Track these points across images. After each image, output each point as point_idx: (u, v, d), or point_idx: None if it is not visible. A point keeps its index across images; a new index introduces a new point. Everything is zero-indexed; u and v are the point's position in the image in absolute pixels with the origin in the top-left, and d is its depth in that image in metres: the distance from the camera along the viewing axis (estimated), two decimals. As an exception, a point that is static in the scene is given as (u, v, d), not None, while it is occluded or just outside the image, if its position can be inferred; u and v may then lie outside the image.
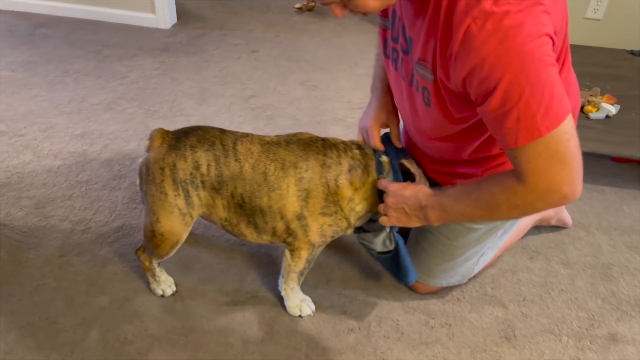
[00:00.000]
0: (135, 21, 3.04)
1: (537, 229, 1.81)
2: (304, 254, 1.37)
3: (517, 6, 0.87)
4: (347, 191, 1.31)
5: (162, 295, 1.49)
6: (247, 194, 1.30)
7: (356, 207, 1.34)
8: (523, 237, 1.76)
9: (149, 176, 1.31)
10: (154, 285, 1.49)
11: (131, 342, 1.37)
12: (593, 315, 1.52)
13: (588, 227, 1.84)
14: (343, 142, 1.35)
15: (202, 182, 1.30)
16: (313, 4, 3.39)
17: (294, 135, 1.36)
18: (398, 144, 1.40)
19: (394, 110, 1.44)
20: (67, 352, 1.34)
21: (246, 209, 1.33)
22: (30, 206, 1.76)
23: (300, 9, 3.41)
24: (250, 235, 1.38)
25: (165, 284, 1.49)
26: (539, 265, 1.67)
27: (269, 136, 1.36)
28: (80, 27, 2.98)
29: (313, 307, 1.47)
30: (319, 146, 1.32)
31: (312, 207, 1.30)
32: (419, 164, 1.39)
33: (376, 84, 1.45)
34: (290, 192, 1.29)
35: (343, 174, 1.30)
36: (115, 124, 2.19)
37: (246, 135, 1.35)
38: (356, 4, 0.97)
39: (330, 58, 2.83)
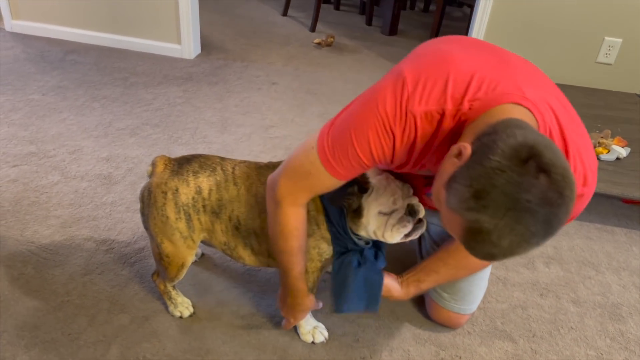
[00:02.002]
0: (161, 51, 3.17)
1: (548, 267, 1.84)
2: None
3: (593, 184, 1.08)
4: (316, 202, 1.32)
5: (180, 317, 1.54)
6: (242, 216, 1.36)
7: (322, 217, 1.33)
8: (534, 273, 1.80)
9: (151, 200, 1.37)
10: (171, 308, 1.54)
11: (149, 360, 1.42)
12: (602, 354, 1.54)
13: (598, 266, 1.87)
14: None
15: (204, 206, 1.36)
16: (332, 39, 3.52)
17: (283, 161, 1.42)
18: None
19: None
20: (88, 368, 1.39)
21: (242, 231, 1.38)
22: (57, 225, 1.83)
23: (319, 43, 3.53)
24: (248, 258, 1.43)
25: (182, 305, 1.54)
26: (548, 303, 1.70)
27: (263, 162, 1.43)
28: (109, 54, 3.12)
29: (326, 334, 1.51)
30: None
31: None
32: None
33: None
34: None
35: None
36: (139, 149, 2.28)
37: (244, 161, 1.42)
38: None
39: (346, 91, 2.92)
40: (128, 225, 1.85)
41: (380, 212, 1.29)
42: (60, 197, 1.96)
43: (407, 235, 1.30)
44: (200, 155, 1.42)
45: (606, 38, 2.71)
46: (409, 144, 1.06)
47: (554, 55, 2.82)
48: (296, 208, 1.23)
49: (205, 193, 1.36)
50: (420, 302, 1.64)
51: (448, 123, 1.02)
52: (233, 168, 1.39)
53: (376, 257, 1.41)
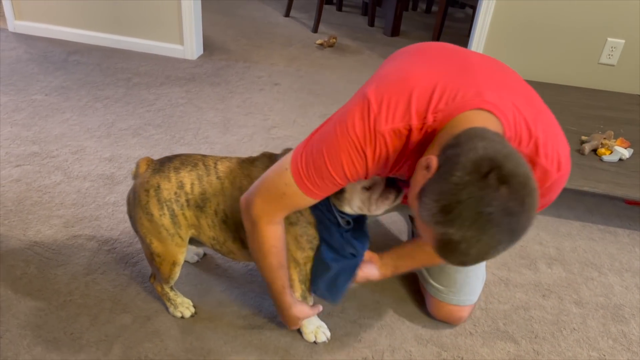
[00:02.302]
0: (164, 52, 3.18)
1: (551, 268, 1.84)
2: (294, 275, 1.41)
3: (567, 168, 1.13)
4: None
5: (182, 317, 1.54)
6: (228, 209, 1.38)
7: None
8: (536, 274, 1.79)
9: (136, 200, 1.39)
10: (171, 309, 1.54)
11: (151, 360, 1.42)
12: (604, 355, 1.54)
13: (600, 267, 1.86)
14: None
15: (187, 200, 1.38)
16: (334, 40, 3.52)
17: (263, 153, 1.44)
18: None
19: None
20: (90, 367, 1.39)
21: (230, 224, 1.39)
22: (59, 225, 1.84)
23: (321, 44, 3.53)
24: (238, 251, 1.44)
25: (182, 306, 1.54)
26: (551, 304, 1.70)
27: (245, 157, 1.45)
28: (112, 55, 3.12)
29: (328, 334, 1.51)
30: (279, 155, 1.39)
31: None
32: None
33: None
34: None
35: None
36: (142, 149, 2.28)
37: (226, 157, 1.44)
38: None
39: (349, 92, 2.92)
40: (130, 225, 1.85)
41: (363, 187, 1.31)
42: (62, 197, 1.97)
43: None
44: (182, 154, 1.45)
45: (609, 39, 2.71)
46: (382, 161, 1.11)
47: (557, 56, 2.82)
48: (273, 226, 1.27)
49: (188, 187, 1.38)
50: (422, 302, 1.64)
51: (416, 136, 1.06)
52: (215, 163, 1.41)
53: (356, 238, 1.42)
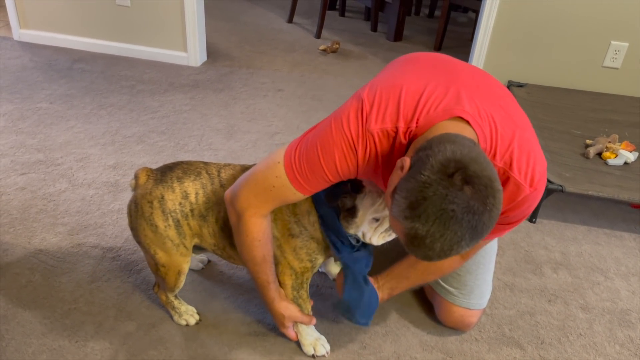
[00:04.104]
0: (168, 59, 3.19)
1: (556, 273, 1.83)
2: (287, 280, 1.41)
3: (541, 183, 1.16)
4: (304, 205, 1.35)
5: (187, 325, 1.54)
6: (227, 216, 1.37)
7: (313, 218, 1.37)
8: (542, 279, 1.78)
9: (138, 212, 1.38)
10: (176, 317, 1.53)
11: (156, 368, 1.41)
12: (611, 361, 1.52)
13: (607, 272, 1.85)
14: None
15: (192, 210, 1.38)
16: (337, 45, 3.53)
17: None
18: None
19: None
20: (95, 375, 1.39)
21: (226, 231, 1.39)
22: (64, 232, 1.84)
23: (324, 50, 3.54)
24: (237, 256, 1.44)
25: (187, 314, 1.54)
26: (557, 309, 1.69)
27: (248, 164, 1.45)
28: (116, 63, 3.14)
29: (328, 347, 1.48)
30: None
31: (282, 229, 1.36)
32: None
33: None
34: None
35: None
36: (146, 156, 2.29)
37: (228, 164, 1.44)
38: None
39: (352, 98, 2.92)
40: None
41: (374, 218, 1.32)
42: (67, 205, 1.97)
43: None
44: (182, 162, 1.44)
45: (613, 42, 2.70)
46: (372, 161, 1.15)
47: (561, 60, 2.81)
48: (258, 219, 1.28)
49: (192, 197, 1.37)
50: (427, 308, 1.63)
51: (401, 140, 1.11)
52: (219, 171, 1.41)
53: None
